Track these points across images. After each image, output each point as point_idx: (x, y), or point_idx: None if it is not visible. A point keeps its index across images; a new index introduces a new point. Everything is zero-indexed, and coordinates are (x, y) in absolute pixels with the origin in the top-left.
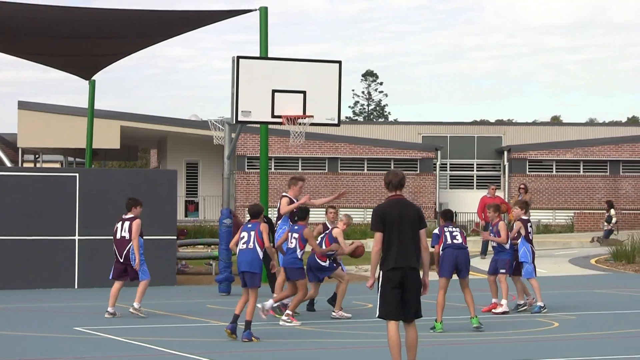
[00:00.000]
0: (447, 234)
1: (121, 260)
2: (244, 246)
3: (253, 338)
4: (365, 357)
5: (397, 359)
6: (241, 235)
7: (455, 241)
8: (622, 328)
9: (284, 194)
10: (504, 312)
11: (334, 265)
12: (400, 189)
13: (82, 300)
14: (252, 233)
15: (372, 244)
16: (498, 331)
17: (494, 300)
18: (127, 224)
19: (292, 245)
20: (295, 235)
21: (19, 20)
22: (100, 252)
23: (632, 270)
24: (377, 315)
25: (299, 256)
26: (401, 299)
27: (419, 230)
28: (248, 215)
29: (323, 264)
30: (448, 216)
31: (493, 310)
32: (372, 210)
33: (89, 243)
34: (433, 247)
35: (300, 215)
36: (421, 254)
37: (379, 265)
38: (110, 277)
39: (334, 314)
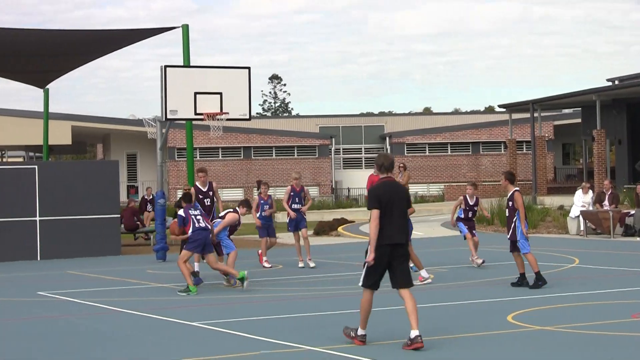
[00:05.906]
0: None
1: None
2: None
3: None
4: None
5: (364, 321)
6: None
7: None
8: (487, 277)
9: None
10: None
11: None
12: (390, 171)
13: (44, 270)
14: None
15: (370, 221)
16: None
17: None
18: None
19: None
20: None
21: None
22: (57, 229)
23: (491, 231)
24: (359, 284)
25: None
26: (389, 271)
27: (407, 209)
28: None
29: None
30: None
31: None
32: (281, 189)
33: (48, 222)
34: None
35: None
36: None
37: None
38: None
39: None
